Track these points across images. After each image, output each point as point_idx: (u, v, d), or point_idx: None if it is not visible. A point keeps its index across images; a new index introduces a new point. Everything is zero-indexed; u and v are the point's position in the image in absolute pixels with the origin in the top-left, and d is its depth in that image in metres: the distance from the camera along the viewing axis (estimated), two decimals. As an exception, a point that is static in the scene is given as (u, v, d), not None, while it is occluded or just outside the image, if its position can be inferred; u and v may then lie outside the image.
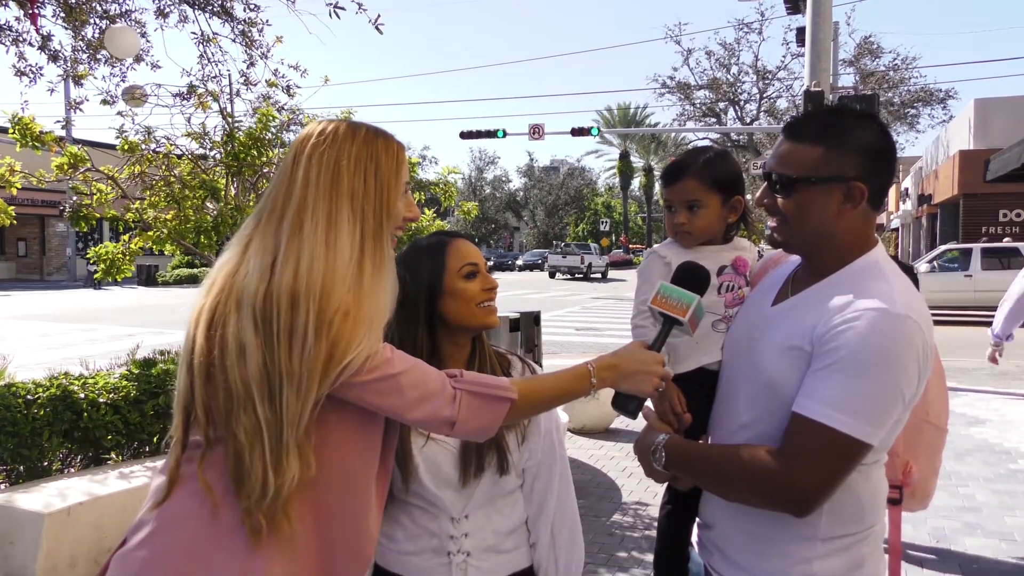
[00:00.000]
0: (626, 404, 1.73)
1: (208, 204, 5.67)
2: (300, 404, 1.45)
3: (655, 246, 2.08)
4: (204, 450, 1.52)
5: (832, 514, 1.57)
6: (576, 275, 41.89)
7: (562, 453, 1.97)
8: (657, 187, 61.61)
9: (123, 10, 6.89)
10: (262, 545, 1.48)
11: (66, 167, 5.44)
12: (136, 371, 4.96)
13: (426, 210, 6.75)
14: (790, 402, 1.55)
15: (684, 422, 1.86)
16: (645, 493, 5.76)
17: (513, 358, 2.01)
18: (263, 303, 1.47)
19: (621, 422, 7.99)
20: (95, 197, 5.59)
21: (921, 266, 19.41)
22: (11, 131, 5.28)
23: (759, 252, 2.09)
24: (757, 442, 1.62)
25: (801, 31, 14.76)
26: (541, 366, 6.59)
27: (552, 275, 42.75)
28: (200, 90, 6.31)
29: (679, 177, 1.97)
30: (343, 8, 5.97)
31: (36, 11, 6.08)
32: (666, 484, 1.93)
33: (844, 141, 1.62)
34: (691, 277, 1.79)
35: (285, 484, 1.46)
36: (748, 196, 2.09)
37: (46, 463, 4.51)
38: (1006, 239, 20.67)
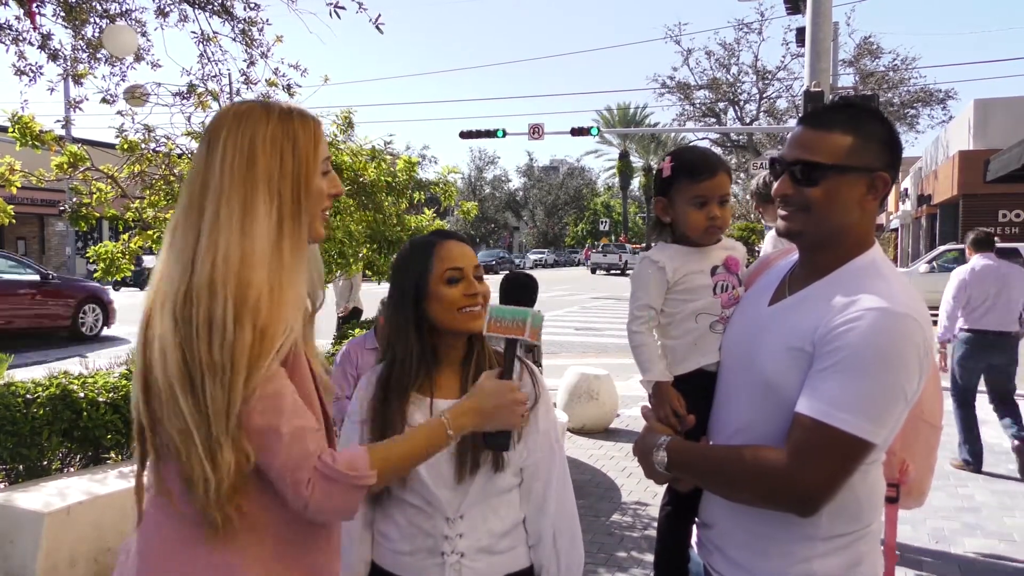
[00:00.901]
0: (496, 440, 1.69)
1: (208, 203, 5.66)
2: (226, 395, 1.42)
3: (647, 251, 2.07)
4: (158, 459, 1.52)
5: (832, 513, 1.57)
6: (613, 271, 46.60)
7: (560, 453, 1.97)
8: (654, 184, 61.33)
9: (123, 9, 6.88)
10: (227, 539, 1.47)
11: (66, 166, 5.44)
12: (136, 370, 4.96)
13: (426, 210, 6.75)
14: (790, 403, 1.55)
15: (687, 424, 1.86)
16: (645, 493, 5.76)
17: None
18: (183, 300, 1.45)
19: (621, 422, 7.99)
20: (95, 196, 5.59)
21: (920, 266, 19.41)
22: (11, 130, 5.27)
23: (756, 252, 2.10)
24: (757, 443, 1.62)
25: (801, 31, 14.75)
26: (540, 366, 6.60)
27: (593, 271, 48.04)
28: (200, 89, 6.31)
29: (716, 171, 1.94)
30: (343, 8, 5.97)
31: (35, 10, 6.07)
32: (666, 485, 1.92)
33: (870, 132, 1.63)
34: (519, 288, 1.75)
35: (224, 478, 1.43)
36: (748, 197, 2.10)
37: (46, 462, 4.51)
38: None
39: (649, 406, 1.96)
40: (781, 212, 1.69)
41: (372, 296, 11.47)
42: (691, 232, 1.97)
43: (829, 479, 1.50)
